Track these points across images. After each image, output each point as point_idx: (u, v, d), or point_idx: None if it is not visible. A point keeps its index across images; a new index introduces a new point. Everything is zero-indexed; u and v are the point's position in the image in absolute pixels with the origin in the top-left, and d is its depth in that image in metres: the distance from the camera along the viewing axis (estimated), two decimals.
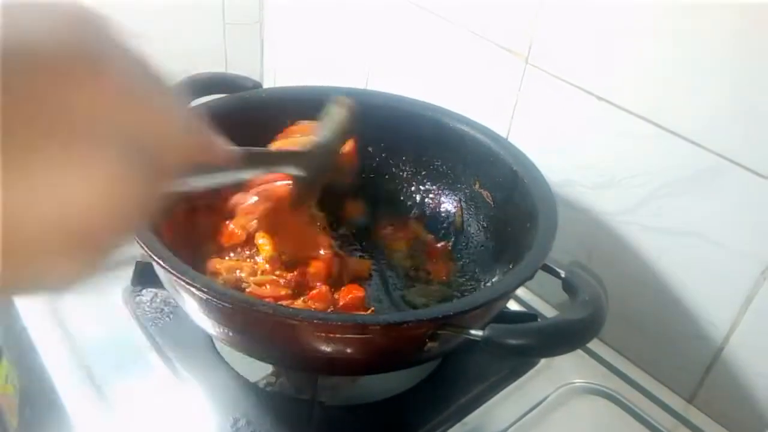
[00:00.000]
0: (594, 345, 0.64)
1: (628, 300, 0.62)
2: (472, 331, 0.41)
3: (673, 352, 0.61)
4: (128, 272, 0.62)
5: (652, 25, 0.55)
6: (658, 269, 0.60)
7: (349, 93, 0.65)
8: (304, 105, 0.64)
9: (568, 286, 0.45)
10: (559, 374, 0.60)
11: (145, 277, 0.62)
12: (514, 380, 0.58)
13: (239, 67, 0.99)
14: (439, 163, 0.65)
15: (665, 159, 0.56)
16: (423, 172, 0.67)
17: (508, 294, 0.44)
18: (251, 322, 0.45)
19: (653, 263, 0.60)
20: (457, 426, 0.54)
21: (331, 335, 0.43)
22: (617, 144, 0.60)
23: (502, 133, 0.67)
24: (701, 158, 0.54)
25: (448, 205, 0.66)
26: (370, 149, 0.68)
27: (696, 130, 0.54)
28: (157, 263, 0.44)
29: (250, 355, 0.50)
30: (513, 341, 0.39)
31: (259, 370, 0.56)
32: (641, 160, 0.58)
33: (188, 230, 0.56)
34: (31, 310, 0.61)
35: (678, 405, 0.59)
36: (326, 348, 0.44)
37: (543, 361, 0.61)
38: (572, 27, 0.60)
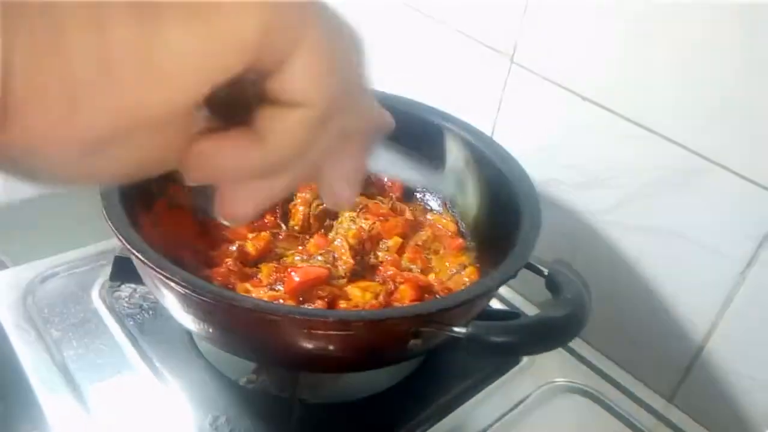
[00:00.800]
0: (576, 344, 0.64)
1: (610, 299, 0.62)
2: (455, 329, 0.40)
3: (653, 352, 0.61)
4: (106, 267, 0.62)
5: (636, 27, 0.55)
6: (639, 269, 0.60)
7: None
8: None
9: (552, 284, 0.45)
10: (542, 373, 0.60)
11: (123, 272, 0.61)
12: (497, 378, 0.58)
13: None
14: (424, 161, 0.65)
15: (648, 159, 0.57)
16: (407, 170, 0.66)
17: (491, 291, 0.44)
18: (232, 318, 0.45)
19: (635, 263, 0.60)
20: (439, 424, 0.53)
21: (313, 331, 0.42)
22: (600, 144, 0.60)
23: (487, 132, 0.67)
24: (683, 159, 0.54)
25: (432, 203, 0.66)
26: None
27: (678, 130, 0.54)
28: (137, 257, 0.43)
29: (231, 352, 0.49)
30: (495, 338, 0.39)
31: (239, 368, 0.55)
32: (624, 160, 0.59)
33: (168, 228, 0.55)
34: (7, 305, 0.59)
35: (658, 404, 0.60)
36: (308, 344, 0.44)
37: (525, 359, 0.61)
38: (558, 27, 0.60)
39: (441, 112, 0.63)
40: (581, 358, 0.63)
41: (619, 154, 0.59)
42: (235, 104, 0.21)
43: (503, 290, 0.69)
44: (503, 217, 0.53)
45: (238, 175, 0.22)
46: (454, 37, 0.70)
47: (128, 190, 0.48)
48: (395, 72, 0.78)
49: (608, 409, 0.58)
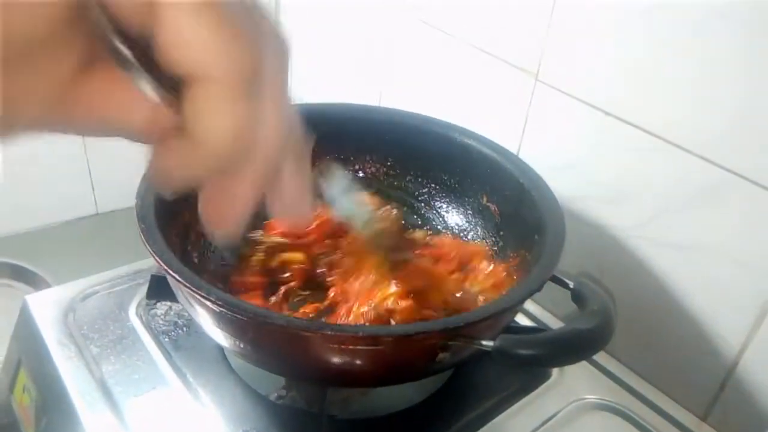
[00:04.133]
0: (605, 360, 0.63)
1: (640, 315, 0.62)
2: (483, 342, 0.41)
3: (685, 369, 0.60)
4: (143, 286, 0.64)
5: (659, 41, 0.55)
6: (669, 284, 0.60)
7: (357, 109, 0.67)
8: (308, 122, 0.66)
9: (577, 297, 0.45)
10: (571, 390, 0.59)
11: (159, 290, 0.63)
12: (525, 395, 0.58)
13: None
14: (446, 178, 0.66)
15: (674, 174, 0.57)
16: (431, 186, 0.67)
17: (518, 304, 0.44)
18: (263, 334, 0.46)
19: (664, 278, 0.60)
20: None
21: (343, 347, 0.43)
22: (626, 159, 0.60)
23: (513, 150, 0.68)
24: (710, 173, 0.54)
25: (456, 219, 0.66)
26: (376, 165, 0.69)
27: (704, 144, 0.54)
28: (172, 276, 0.45)
29: (262, 367, 0.51)
30: (523, 351, 0.39)
31: (270, 384, 0.56)
32: (650, 175, 0.59)
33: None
34: (49, 322, 0.62)
35: (691, 423, 0.59)
36: (338, 359, 0.44)
37: (554, 376, 0.60)
38: (581, 44, 0.61)
39: (463, 129, 0.64)
40: (611, 375, 0.62)
41: (646, 169, 0.59)
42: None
43: (530, 306, 0.69)
44: (527, 232, 0.53)
45: (193, 181, 0.21)
46: (479, 57, 0.71)
47: (164, 213, 0.50)
48: (423, 93, 0.80)
49: (639, 426, 0.57)
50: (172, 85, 0.19)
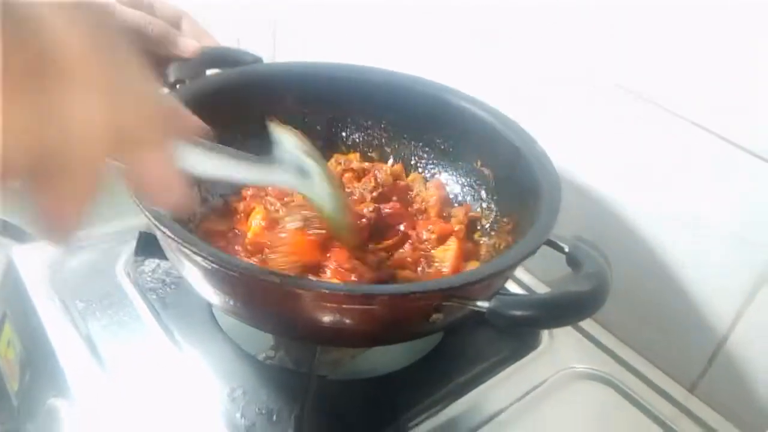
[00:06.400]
0: (596, 330, 0.63)
1: (633, 287, 0.61)
2: (478, 303, 0.40)
3: (675, 341, 0.60)
4: (131, 243, 0.63)
5: (669, 12, 0.54)
6: (663, 257, 0.59)
7: (350, 69, 0.65)
8: (303, 80, 0.65)
9: (573, 260, 0.45)
10: (560, 358, 0.59)
11: (147, 247, 0.62)
12: (514, 362, 0.58)
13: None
14: (439, 141, 0.65)
15: (675, 145, 0.56)
16: (425, 150, 0.66)
17: (513, 266, 0.44)
18: (256, 292, 0.45)
19: (659, 251, 0.60)
20: (455, 404, 0.53)
21: (338, 306, 0.43)
22: (627, 129, 0.59)
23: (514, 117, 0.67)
24: (714, 146, 0.53)
25: (449, 183, 0.65)
26: (370, 128, 0.68)
27: (706, 116, 0.54)
28: (162, 232, 0.43)
29: (252, 325, 0.50)
30: (518, 312, 0.39)
31: (258, 343, 0.56)
32: (650, 146, 0.58)
33: None
34: (34, 278, 0.61)
35: (679, 394, 0.59)
36: (331, 318, 0.44)
37: (543, 344, 0.60)
38: (591, 16, 0.60)
39: (458, 92, 0.63)
40: (600, 345, 0.62)
41: (647, 140, 0.58)
42: None
43: (520, 274, 0.69)
44: (522, 197, 0.53)
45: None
46: (471, 35, 0.69)
47: None
48: (425, 60, 0.78)
49: (626, 396, 0.57)
50: None
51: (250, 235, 0.54)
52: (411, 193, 0.62)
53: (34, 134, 0.20)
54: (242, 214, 0.58)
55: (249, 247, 0.53)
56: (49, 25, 0.20)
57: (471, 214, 0.61)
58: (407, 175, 0.66)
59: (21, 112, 0.20)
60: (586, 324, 0.64)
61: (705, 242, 0.56)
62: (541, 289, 0.68)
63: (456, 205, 0.63)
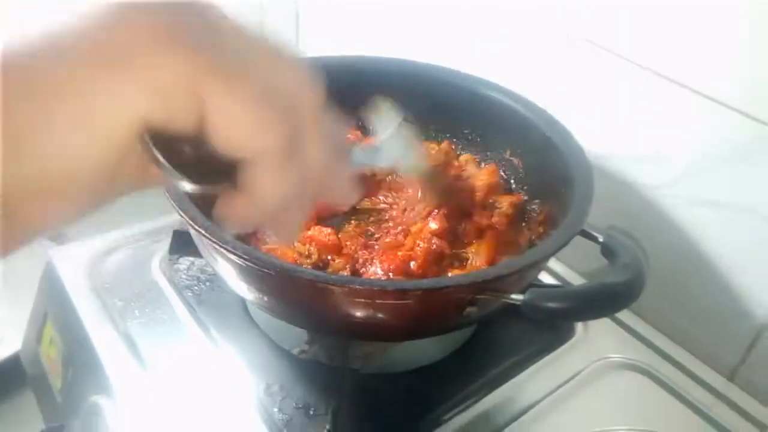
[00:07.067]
0: (631, 320, 0.63)
1: (669, 275, 0.60)
2: (512, 296, 0.40)
3: (713, 329, 0.59)
4: (166, 241, 0.64)
5: None
6: (701, 244, 0.58)
7: (375, 61, 0.65)
8: (328, 73, 0.64)
9: (607, 251, 0.44)
10: (595, 348, 0.59)
11: (182, 245, 0.63)
12: (548, 353, 0.58)
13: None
14: (467, 132, 0.65)
15: (711, 130, 0.55)
16: (452, 141, 0.66)
17: (548, 258, 0.43)
18: (289, 288, 0.45)
19: (697, 237, 0.59)
20: (490, 396, 0.53)
21: (370, 301, 0.43)
22: (661, 115, 0.58)
23: (544, 105, 0.66)
24: (748, 128, 0.52)
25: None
26: None
27: (743, 99, 0.52)
28: (197, 231, 0.44)
29: (286, 320, 0.50)
30: (553, 304, 0.39)
31: (293, 338, 0.56)
32: (686, 131, 0.57)
33: None
34: (73, 278, 0.62)
35: (717, 382, 0.58)
36: (364, 313, 0.44)
37: (578, 334, 0.60)
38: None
39: (488, 82, 0.62)
40: (636, 334, 0.61)
41: (682, 125, 0.57)
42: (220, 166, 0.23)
43: (554, 264, 0.68)
44: (553, 186, 0.52)
45: (251, 227, 0.26)
46: (509, 13, 0.68)
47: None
48: (451, 47, 0.77)
49: (663, 385, 0.57)
50: (211, 177, 0.23)
51: None
52: (463, 174, 0.61)
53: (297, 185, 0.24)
54: None
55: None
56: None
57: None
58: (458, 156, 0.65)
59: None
60: (621, 313, 0.63)
61: (743, 227, 0.55)
62: (576, 279, 0.67)
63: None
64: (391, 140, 0.45)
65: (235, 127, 0.22)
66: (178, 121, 0.21)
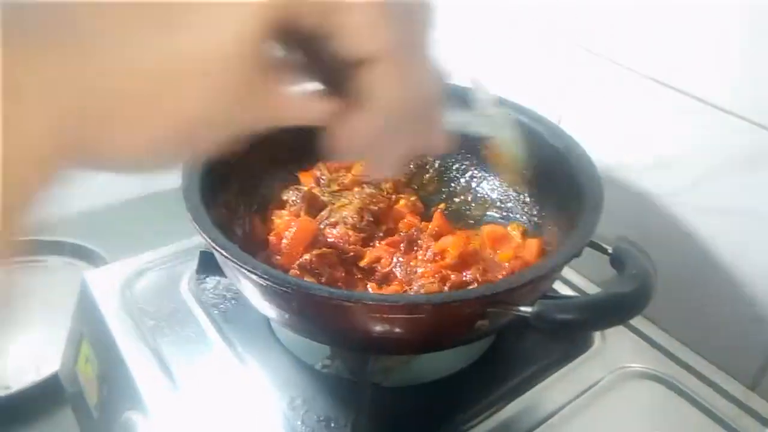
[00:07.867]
0: (649, 329, 0.63)
1: (685, 283, 0.61)
2: (522, 308, 0.41)
3: (732, 337, 0.59)
4: (193, 262, 0.67)
5: (703, 3, 0.54)
6: (714, 251, 0.59)
7: None
8: None
9: (616, 261, 0.45)
10: (613, 358, 0.59)
11: (208, 266, 0.65)
12: (567, 363, 0.58)
13: None
14: (478, 147, 0.66)
15: (719, 138, 0.55)
16: (465, 156, 0.67)
17: (556, 271, 0.44)
18: (307, 305, 0.47)
19: (709, 245, 0.59)
20: (508, 407, 0.54)
21: (384, 316, 0.44)
22: (669, 124, 0.59)
23: (552, 117, 0.67)
24: (755, 136, 0.52)
25: (487, 188, 0.66)
26: None
27: (751, 108, 0.53)
28: (219, 252, 0.46)
29: (306, 336, 0.52)
30: (560, 316, 0.40)
31: (315, 353, 0.58)
32: (694, 139, 0.57)
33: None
34: (107, 299, 0.65)
35: (738, 392, 0.58)
36: (379, 327, 0.46)
37: (596, 344, 0.60)
38: (622, 9, 0.60)
39: None
40: (654, 343, 0.62)
41: (690, 134, 0.58)
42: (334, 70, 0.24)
43: (570, 274, 0.68)
44: (563, 197, 0.53)
45: (365, 145, 0.26)
46: (517, 23, 0.69)
47: (209, 190, 0.53)
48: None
49: (683, 395, 0.57)
50: (331, 79, 0.24)
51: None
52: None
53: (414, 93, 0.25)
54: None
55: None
56: None
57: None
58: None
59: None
60: (639, 323, 0.63)
61: (755, 234, 0.55)
62: (592, 289, 0.67)
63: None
64: (493, 113, 0.47)
65: (362, 23, 0.22)
66: (304, 16, 0.22)
